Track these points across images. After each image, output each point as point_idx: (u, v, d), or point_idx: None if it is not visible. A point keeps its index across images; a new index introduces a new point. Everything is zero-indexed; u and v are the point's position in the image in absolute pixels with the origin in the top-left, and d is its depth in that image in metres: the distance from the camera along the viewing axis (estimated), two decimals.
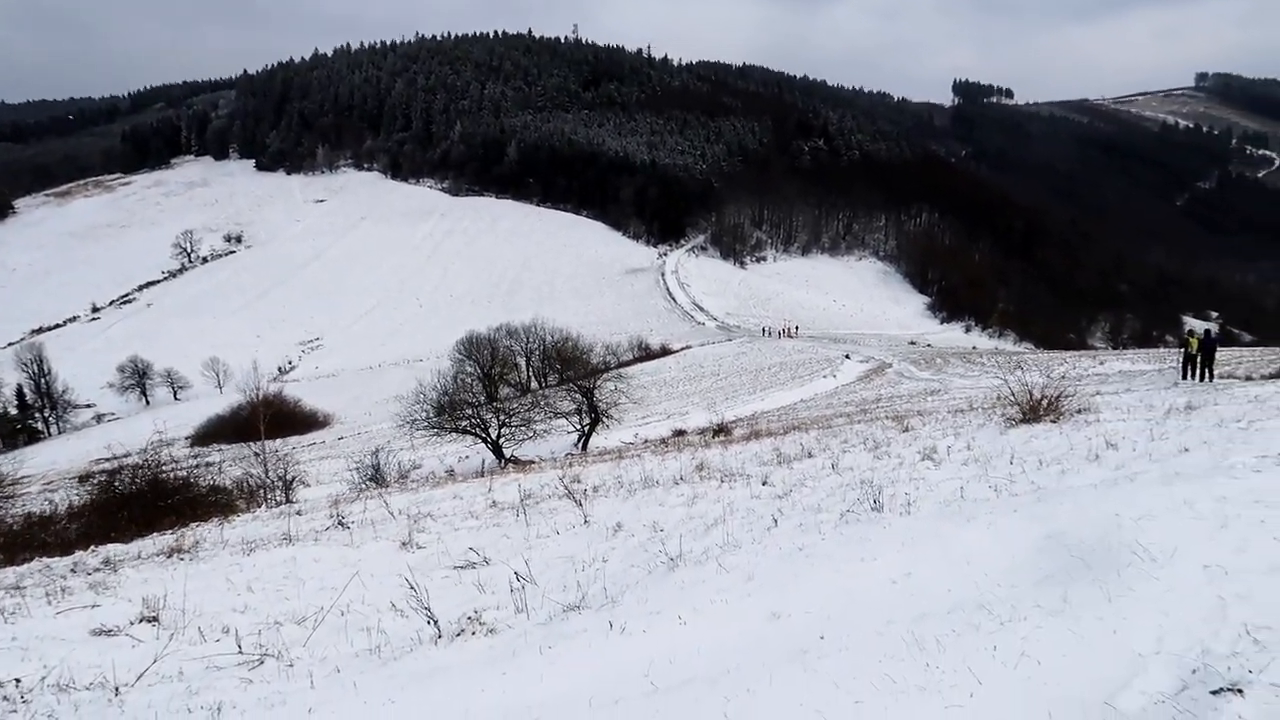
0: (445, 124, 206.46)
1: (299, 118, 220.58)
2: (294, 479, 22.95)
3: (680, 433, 29.00)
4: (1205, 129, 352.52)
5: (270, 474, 22.44)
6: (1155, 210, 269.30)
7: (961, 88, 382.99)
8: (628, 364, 62.01)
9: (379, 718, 4.64)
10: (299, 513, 13.85)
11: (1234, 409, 12.30)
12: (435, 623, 5.96)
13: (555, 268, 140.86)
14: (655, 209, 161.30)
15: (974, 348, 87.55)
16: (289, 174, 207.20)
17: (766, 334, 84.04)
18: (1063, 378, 33.44)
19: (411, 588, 6.37)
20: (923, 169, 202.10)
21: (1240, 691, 3.72)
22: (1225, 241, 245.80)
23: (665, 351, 73.75)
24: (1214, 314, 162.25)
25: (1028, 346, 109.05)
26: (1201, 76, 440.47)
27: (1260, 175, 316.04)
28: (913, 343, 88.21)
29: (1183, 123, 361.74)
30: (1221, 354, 42.37)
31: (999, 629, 4.67)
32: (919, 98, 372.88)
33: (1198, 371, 21.42)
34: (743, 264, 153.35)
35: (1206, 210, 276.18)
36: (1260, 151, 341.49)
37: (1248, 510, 6.24)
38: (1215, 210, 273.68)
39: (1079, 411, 13.23)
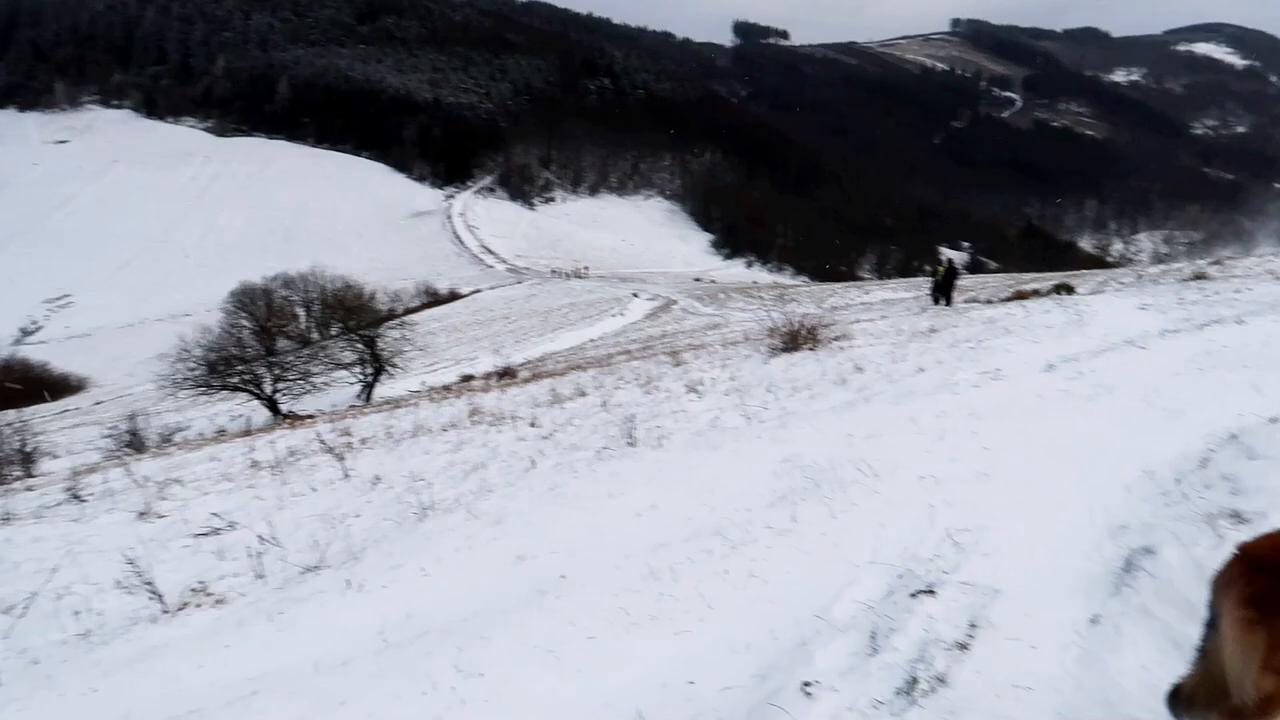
0: (206, 57, 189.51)
1: (31, 48, 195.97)
2: (33, 451, 20.77)
3: (468, 378, 28.50)
4: (958, 72, 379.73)
5: (4, 448, 20.18)
6: (916, 147, 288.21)
7: (741, 28, 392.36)
8: (415, 310, 60.39)
9: (75, 712, 4.21)
10: (29, 489, 12.52)
11: (968, 330, 13.35)
12: (159, 598, 5.49)
13: (336, 212, 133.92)
14: (440, 150, 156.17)
15: (755, 282, 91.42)
16: (22, 111, 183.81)
17: (557, 275, 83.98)
18: (832, 308, 35.51)
19: (129, 562, 5.82)
20: (706, 108, 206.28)
21: (933, 592, 4.00)
22: (975, 175, 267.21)
23: (454, 296, 72.44)
24: (965, 244, 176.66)
25: (805, 280, 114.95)
26: (956, 22, 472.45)
27: (1004, 115, 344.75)
28: (698, 279, 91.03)
29: (939, 66, 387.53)
30: (968, 280, 46.32)
31: (731, 553, 4.82)
32: (701, 38, 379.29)
33: (943, 297, 23.18)
34: (532, 205, 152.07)
35: (960, 147, 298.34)
36: (1005, 93, 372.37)
37: (963, 423, 6.77)
38: (967, 147, 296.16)
39: (836, 339, 13.99)
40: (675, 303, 53.44)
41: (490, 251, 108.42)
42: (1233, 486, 4.53)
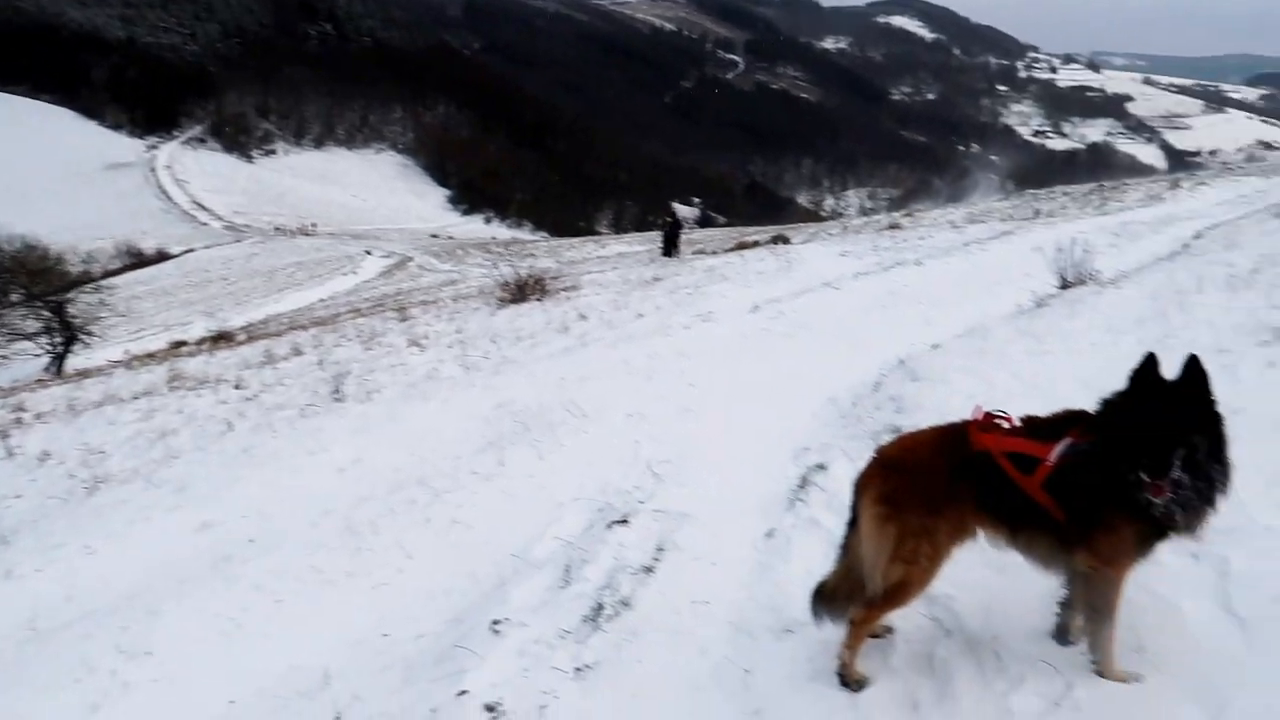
0: None
1: None
2: None
3: (179, 344, 26.22)
4: (686, 33, 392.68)
5: None
6: (648, 106, 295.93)
7: None
8: (116, 273, 54.52)
9: None
10: None
11: (690, 279, 13.86)
12: None
13: (9, 163, 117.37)
14: (139, 95, 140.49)
15: (494, 238, 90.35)
16: None
17: (282, 233, 78.87)
18: (570, 262, 35.85)
19: None
20: (438, 60, 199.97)
21: (627, 521, 4.08)
22: (704, 134, 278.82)
23: (163, 257, 66.07)
24: (696, 200, 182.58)
25: (543, 235, 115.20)
26: None
27: (729, 77, 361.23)
28: (435, 236, 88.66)
29: (668, 26, 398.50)
30: (699, 234, 48.34)
31: (435, 501, 4.69)
32: None
33: (672, 249, 24.12)
34: (250, 158, 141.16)
35: (689, 106, 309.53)
36: (729, 55, 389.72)
37: (673, 362, 6.98)
38: (695, 107, 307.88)
39: (565, 290, 14.10)
40: (411, 260, 51.82)
41: (203, 208, 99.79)
42: (897, 405, 4.95)
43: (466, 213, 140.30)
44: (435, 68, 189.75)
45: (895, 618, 3.15)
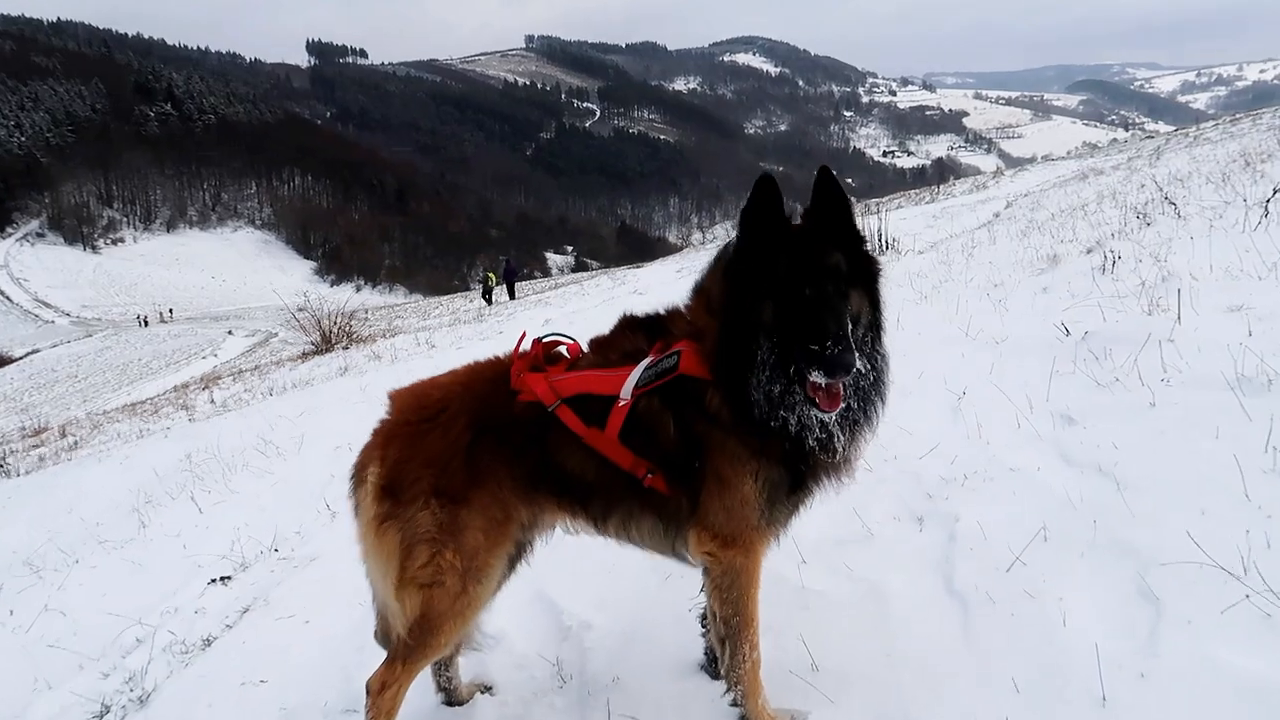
0: None
1: None
2: None
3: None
4: (539, 85, 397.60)
5: None
6: (509, 159, 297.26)
7: (316, 48, 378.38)
8: None
9: None
10: None
11: (509, 310, 13.41)
12: None
13: None
14: None
15: (363, 305, 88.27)
16: None
17: (137, 323, 75.34)
18: (436, 316, 35.24)
19: None
20: (288, 132, 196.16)
21: (229, 578, 3.59)
22: (569, 183, 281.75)
23: (4, 361, 62.11)
24: (569, 248, 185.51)
25: (417, 297, 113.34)
26: (530, 39, 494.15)
27: (587, 125, 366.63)
28: (302, 309, 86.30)
29: (521, 80, 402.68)
30: (568, 277, 48.18)
31: (32, 586, 3.89)
32: (273, 58, 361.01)
33: (507, 295, 25.70)
34: (96, 249, 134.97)
35: (550, 157, 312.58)
36: (584, 104, 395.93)
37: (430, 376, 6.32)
38: (557, 157, 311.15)
39: (380, 335, 13.61)
40: (275, 335, 50.25)
41: (47, 305, 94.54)
42: None
43: (335, 283, 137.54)
44: (286, 140, 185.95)
45: (495, 671, 2.39)
